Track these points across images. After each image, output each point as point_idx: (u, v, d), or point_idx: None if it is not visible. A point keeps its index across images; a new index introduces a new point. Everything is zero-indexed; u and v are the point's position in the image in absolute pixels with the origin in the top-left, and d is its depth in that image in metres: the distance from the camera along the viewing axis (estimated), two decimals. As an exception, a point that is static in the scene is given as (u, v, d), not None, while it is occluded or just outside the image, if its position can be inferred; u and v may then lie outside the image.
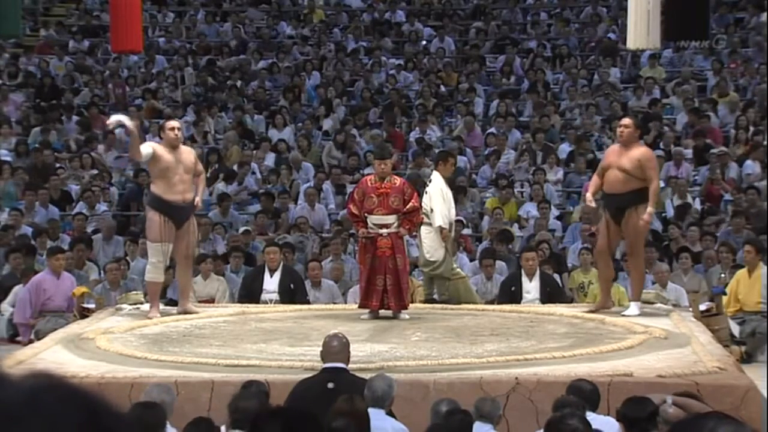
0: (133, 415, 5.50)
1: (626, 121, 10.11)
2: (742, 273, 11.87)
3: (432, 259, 10.74)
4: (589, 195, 10.08)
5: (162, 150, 9.86)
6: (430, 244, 10.73)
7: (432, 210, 10.67)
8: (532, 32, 22.34)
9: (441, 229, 10.67)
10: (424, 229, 10.71)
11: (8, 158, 17.36)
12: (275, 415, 3.52)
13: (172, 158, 9.82)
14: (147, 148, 9.93)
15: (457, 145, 17.35)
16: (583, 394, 6.16)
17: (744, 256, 12.05)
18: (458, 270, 11.37)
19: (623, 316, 9.83)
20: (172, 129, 10.00)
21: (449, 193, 10.94)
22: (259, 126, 18.85)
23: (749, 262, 11.82)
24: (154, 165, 9.88)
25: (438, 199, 10.69)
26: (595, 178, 10.17)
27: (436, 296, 11.06)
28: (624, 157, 9.80)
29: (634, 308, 9.96)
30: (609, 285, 10.39)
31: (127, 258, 13.32)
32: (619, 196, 9.81)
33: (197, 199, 10.24)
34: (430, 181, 11.02)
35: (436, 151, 15.65)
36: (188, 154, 10.12)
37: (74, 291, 11.88)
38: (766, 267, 11.79)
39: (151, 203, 10.02)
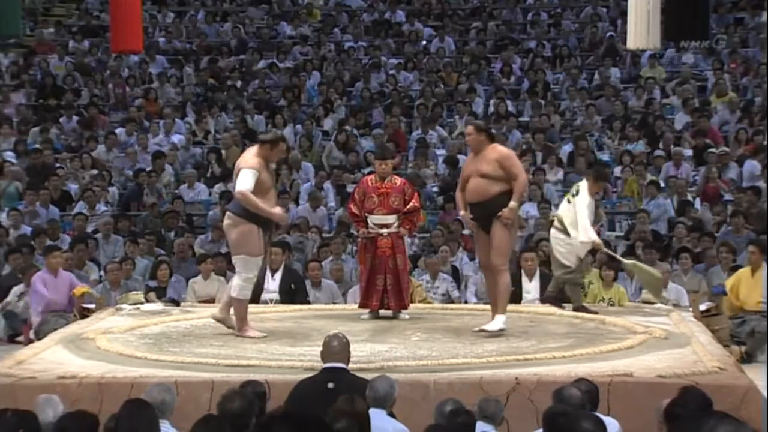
0: (124, 413, 5.49)
1: (468, 129, 9.57)
2: (744, 272, 11.89)
3: (566, 263, 10.42)
4: (465, 214, 9.49)
5: (264, 171, 9.13)
6: (564, 250, 10.32)
7: (575, 221, 10.16)
8: (532, 32, 22.35)
9: (594, 243, 10.21)
10: (556, 234, 10.34)
11: (12, 159, 17.40)
12: (286, 418, 3.52)
13: (269, 175, 9.23)
14: (253, 180, 9.09)
15: (459, 145, 17.35)
16: (570, 401, 6.10)
17: (748, 256, 12.03)
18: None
19: (481, 330, 9.24)
20: (284, 150, 9.48)
21: (593, 204, 10.39)
22: (259, 126, 18.86)
23: (754, 262, 11.82)
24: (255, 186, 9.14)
25: (584, 212, 10.17)
26: (458, 193, 9.60)
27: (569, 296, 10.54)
28: (480, 162, 9.33)
29: (498, 322, 9.29)
30: (506, 298, 9.48)
31: (134, 258, 13.19)
32: (484, 203, 9.28)
33: None
34: (577, 192, 10.37)
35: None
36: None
37: (74, 291, 11.88)
38: (767, 267, 11.80)
39: (247, 216, 9.11)
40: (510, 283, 9.50)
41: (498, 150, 9.35)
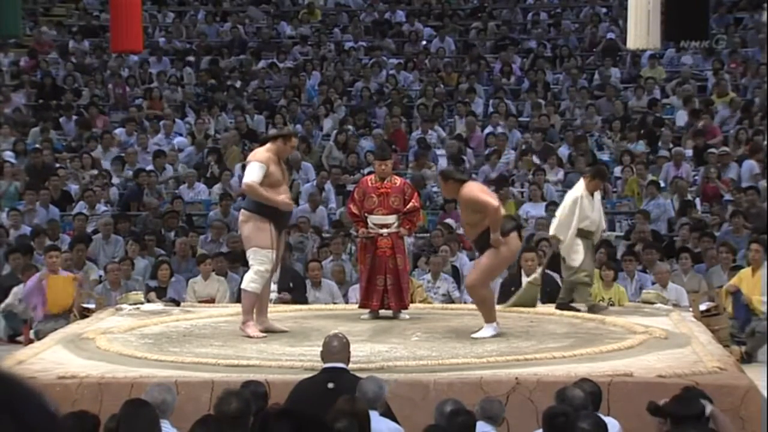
0: (124, 413, 5.49)
1: (440, 180, 9.64)
2: (745, 272, 11.91)
3: (572, 264, 10.39)
4: None
5: (273, 165, 9.18)
6: (566, 249, 10.38)
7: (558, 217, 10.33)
8: (532, 32, 22.36)
9: (554, 237, 10.36)
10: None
11: (12, 159, 17.40)
12: (283, 416, 3.50)
13: (280, 170, 9.27)
14: (260, 173, 9.12)
15: (458, 145, 17.35)
16: (573, 402, 6.10)
17: (752, 254, 12.03)
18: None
19: (473, 337, 9.14)
20: (294, 145, 9.63)
21: (595, 203, 10.38)
22: (259, 126, 18.86)
23: (756, 261, 11.83)
24: (263, 179, 9.17)
25: (565, 205, 10.33)
26: None
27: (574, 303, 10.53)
28: (460, 208, 9.50)
29: (487, 330, 9.20)
30: (488, 309, 9.32)
31: (132, 258, 13.20)
32: (473, 242, 9.69)
33: None
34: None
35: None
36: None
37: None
38: (767, 266, 11.81)
39: (258, 210, 9.15)
40: (485, 295, 9.34)
41: (462, 198, 9.20)
